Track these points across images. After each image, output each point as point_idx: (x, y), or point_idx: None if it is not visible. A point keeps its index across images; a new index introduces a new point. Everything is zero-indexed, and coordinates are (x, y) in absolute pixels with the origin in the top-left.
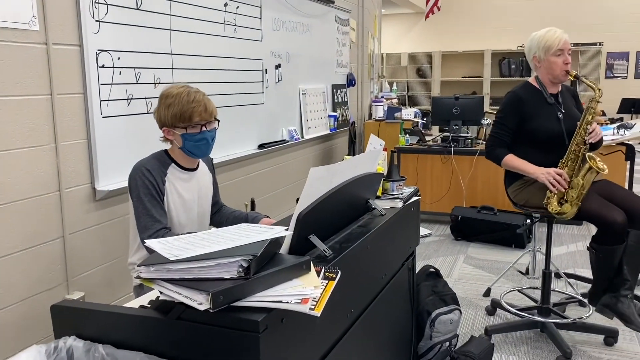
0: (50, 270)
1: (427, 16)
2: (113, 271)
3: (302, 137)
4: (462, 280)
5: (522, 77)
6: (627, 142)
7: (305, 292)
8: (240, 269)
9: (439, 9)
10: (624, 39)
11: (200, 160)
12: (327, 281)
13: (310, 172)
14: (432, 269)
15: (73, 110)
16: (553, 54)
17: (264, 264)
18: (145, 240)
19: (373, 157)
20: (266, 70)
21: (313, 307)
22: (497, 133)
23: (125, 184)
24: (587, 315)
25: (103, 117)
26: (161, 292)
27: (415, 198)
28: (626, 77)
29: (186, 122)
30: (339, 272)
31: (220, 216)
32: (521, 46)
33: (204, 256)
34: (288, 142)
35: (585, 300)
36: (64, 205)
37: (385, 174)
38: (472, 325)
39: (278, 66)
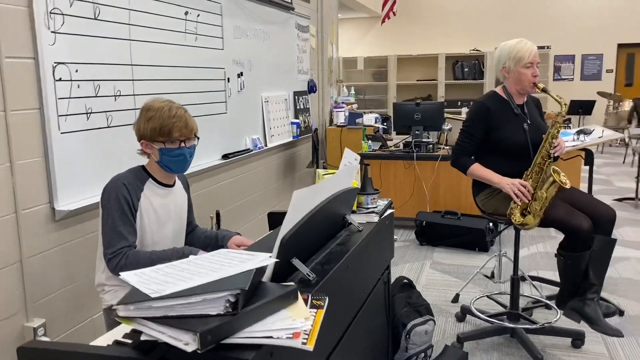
0: (7, 297)
1: (383, 21)
2: (77, 294)
3: (266, 146)
4: (430, 286)
5: (475, 80)
6: (586, 147)
7: (296, 325)
8: (227, 304)
9: (394, 14)
10: (570, 42)
11: (177, 178)
12: (315, 310)
13: (293, 195)
14: (405, 280)
15: (29, 127)
16: (523, 66)
17: (250, 295)
18: (120, 273)
19: (349, 173)
20: (228, 78)
21: (305, 341)
22: (464, 142)
23: (87, 202)
24: (556, 319)
25: (61, 133)
26: (141, 331)
27: (389, 211)
28: (573, 79)
29: (165, 137)
30: (327, 299)
31: (192, 237)
32: (473, 50)
33: (188, 292)
34: (252, 151)
35: (551, 303)
36: (21, 228)
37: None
38: (443, 333)
39: (240, 74)
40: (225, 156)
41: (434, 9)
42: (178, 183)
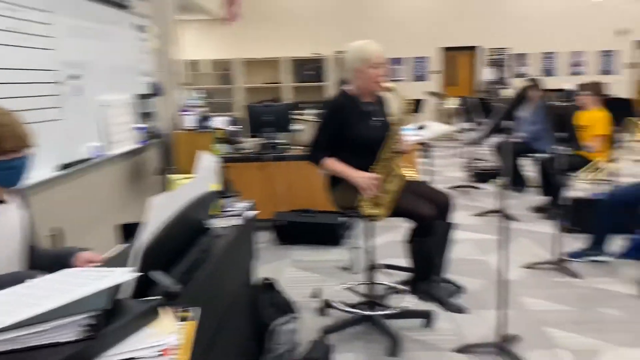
0: None
1: (230, 22)
2: None
3: (108, 153)
4: (292, 284)
5: (318, 83)
6: (425, 141)
7: (163, 341)
8: (84, 328)
9: (240, 17)
10: (401, 46)
11: (12, 193)
12: (184, 322)
13: (150, 202)
14: (267, 281)
15: None
16: (370, 66)
17: (108, 316)
18: None
19: (207, 176)
20: (62, 82)
21: (176, 356)
22: (318, 138)
23: None
24: (408, 302)
25: None
26: None
27: (250, 212)
28: (404, 79)
29: None
30: (197, 310)
31: (33, 259)
32: (315, 53)
33: (35, 319)
34: (93, 159)
35: (403, 288)
36: None
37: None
38: (308, 329)
39: (75, 77)
40: (62, 167)
41: (277, 13)
42: (13, 200)
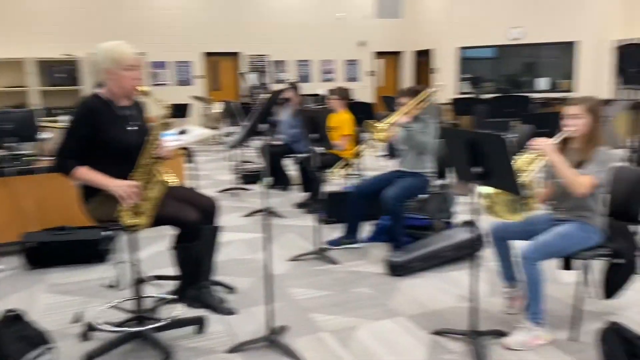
0: None
1: None
2: None
3: None
4: (49, 312)
5: (72, 87)
6: (187, 146)
7: None
8: None
9: None
10: (162, 49)
11: None
12: None
13: None
14: (11, 313)
15: None
16: (124, 68)
17: None
18: None
19: None
20: None
21: None
22: (68, 144)
23: None
24: (179, 311)
25: None
26: None
27: None
28: (168, 84)
29: None
30: None
31: None
32: (66, 54)
33: None
34: None
35: (174, 298)
36: None
37: None
38: (69, 358)
39: None
40: None
41: (18, 9)
42: None
